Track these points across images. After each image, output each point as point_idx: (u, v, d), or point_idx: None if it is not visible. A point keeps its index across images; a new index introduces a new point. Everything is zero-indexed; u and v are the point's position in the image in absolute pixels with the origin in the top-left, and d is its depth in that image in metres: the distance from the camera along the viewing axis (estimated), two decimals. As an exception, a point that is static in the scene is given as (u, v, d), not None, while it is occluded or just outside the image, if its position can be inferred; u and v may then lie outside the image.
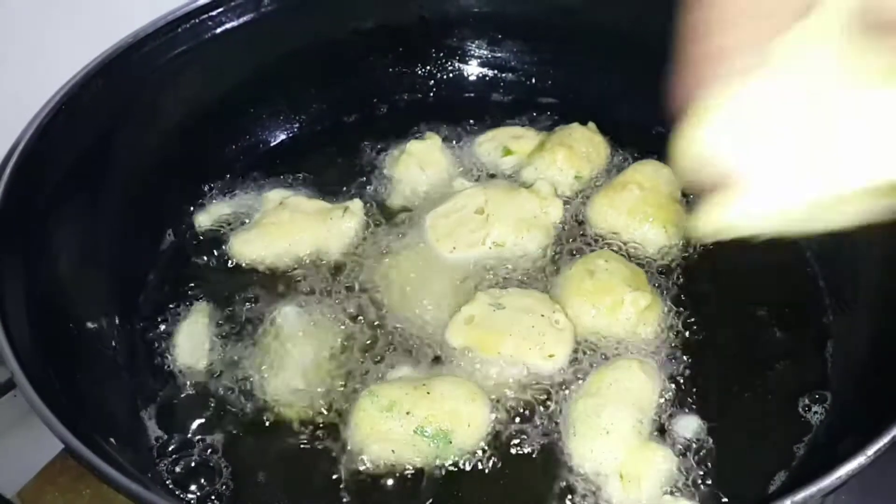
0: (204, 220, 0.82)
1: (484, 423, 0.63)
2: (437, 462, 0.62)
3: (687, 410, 0.65)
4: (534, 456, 0.63)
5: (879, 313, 0.68)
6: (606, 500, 0.60)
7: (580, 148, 0.83)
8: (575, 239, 0.77)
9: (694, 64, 0.42)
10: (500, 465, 0.62)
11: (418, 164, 0.83)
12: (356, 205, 0.79)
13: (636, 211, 0.76)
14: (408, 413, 0.62)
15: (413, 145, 0.84)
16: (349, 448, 0.63)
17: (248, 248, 0.77)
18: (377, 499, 0.61)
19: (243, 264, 0.77)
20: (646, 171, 0.79)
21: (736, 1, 0.41)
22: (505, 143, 0.86)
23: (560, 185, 0.81)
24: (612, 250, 0.75)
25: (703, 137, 0.42)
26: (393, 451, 0.62)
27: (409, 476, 0.62)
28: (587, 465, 0.61)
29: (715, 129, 0.42)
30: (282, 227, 0.77)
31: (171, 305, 0.74)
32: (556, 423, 0.64)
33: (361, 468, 0.62)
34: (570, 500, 0.60)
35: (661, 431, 0.63)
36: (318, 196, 0.82)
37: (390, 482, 0.62)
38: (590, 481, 0.61)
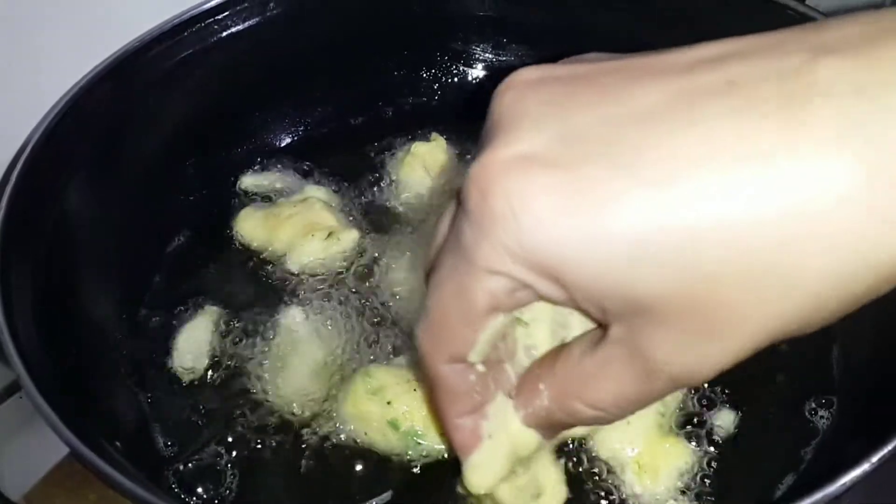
0: (248, 181, 0.84)
1: None
2: (408, 456, 0.61)
3: (717, 405, 0.65)
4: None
5: (885, 317, 0.67)
6: (621, 488, 0.60)
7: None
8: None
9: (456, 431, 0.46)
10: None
11: (423, 165, 0.83)
12: (348, 236, 0.77)
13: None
14: (388, 403, 0.61)
15: (418, 147, 0.83)
16: (332, 423, 0.63)
17: (244, 226, 0.79)
18: (343, 480, 0.61)
19: (236, 237, 0.79)
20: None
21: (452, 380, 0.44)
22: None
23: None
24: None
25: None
26: (366, 433, 0.62)
27: (380, 460, 0.62)
28: (604, 451, 0.61)
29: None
30: (277, 220, 0.78)
31: (176, 307, 0.74)
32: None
33: (336, 444, 0.63)
34: (583, 484, 0.60)
35: (682, 428, 0.63)
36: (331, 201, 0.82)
37: (359, 465, 0.62)
38: (606, 468, 0.61)
